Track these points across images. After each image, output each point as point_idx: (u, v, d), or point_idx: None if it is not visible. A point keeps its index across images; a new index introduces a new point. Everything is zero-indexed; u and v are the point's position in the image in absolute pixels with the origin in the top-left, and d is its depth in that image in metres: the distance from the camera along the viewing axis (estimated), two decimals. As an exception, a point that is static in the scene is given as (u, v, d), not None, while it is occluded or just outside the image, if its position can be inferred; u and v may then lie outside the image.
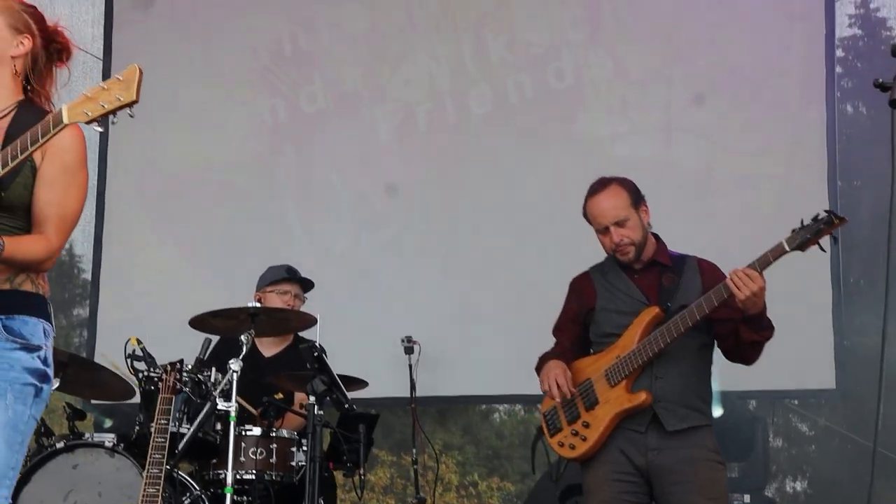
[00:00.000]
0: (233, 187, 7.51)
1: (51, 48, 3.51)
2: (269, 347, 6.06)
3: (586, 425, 4.43)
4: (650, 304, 4.41)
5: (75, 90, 7.49)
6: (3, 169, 3.12)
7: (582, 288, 4.63)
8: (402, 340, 6.73)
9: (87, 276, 8.04)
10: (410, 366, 6.70)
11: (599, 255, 4.59)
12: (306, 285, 6.00)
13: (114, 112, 3.05)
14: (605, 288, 4.55)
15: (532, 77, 7.20)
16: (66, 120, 3.06)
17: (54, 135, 3.09)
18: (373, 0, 7.55)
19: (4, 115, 3.39)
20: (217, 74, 7.64)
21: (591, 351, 4.58)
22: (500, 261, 7.04)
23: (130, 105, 3.05)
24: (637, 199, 4.47)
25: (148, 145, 7.66)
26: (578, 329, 4.61)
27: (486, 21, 7.36)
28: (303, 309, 5.56)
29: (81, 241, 8.03)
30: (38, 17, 3.53)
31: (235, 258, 7.12)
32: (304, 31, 7.62)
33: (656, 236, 4.54)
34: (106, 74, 7.56)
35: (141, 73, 3.03)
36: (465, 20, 7.41)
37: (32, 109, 3.41)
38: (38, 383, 3.32)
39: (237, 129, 7.58)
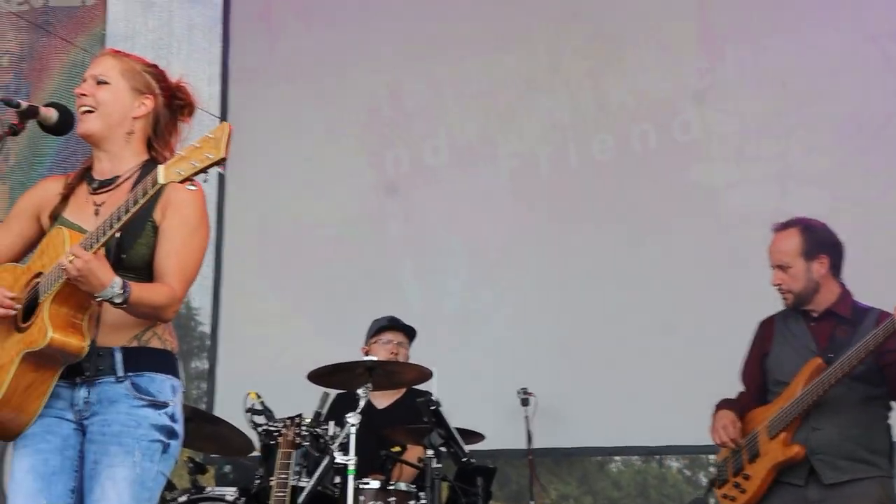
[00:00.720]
0: (347, 242, 7.61)
1: (174, 105, 3.63)
2: (382, 399, 6.12)
3: (746, 477, 4.42)
4: (818, 353, 4.37)
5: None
6: (108, 232, 3.24)
7: (764, 332, 4.62)
8: (518, 392, 6.75)
9: (205, 328, 8.20)
10: (527, 417, 6.71)
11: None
12: (409, 333, 6.06)
13: (205, 170, 3.12)
14: (783, 333, 4.53)
15: (654, 126, 7.20)
16: (161, 181, 3.16)
17: (150, 196, 3.20)
18: (485, 51, 7.60)
19: (129, 177, 3.51)
20: (331, 129, 7.77)
21: (768, 399, 4.54)
22: (616, 312, 7.02)
23: (220, 163, 3.11)
24: (813, 249, 4.43)
25: (264, 201, 7.81)
26: (760, 375, 4.59)
27: (604, 70, 7.37)
28: (417, 361, 5.62)
29: (199, 295, 8.20)
30: (160, 76, 3.65)
31: (350, 312, 7.21)
32: (417, 85, 7.71)
33: (843, 286, 4.48)
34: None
35: (231, 130, 3.08)
36: (578, 71, 7.44)
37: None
38: (165, 440, 3.41)
39: (351, 183, 7.68)
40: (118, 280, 3.26)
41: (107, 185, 3.52)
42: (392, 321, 6.16)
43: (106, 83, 3.55)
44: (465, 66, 7.61)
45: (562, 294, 7.18)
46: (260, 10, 8.11)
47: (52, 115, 3.55)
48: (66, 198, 3.55)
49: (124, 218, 3.23)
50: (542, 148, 7.45)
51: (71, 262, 3.21)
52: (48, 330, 3.26)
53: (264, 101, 7.85)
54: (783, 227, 4.50)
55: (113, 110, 3.53)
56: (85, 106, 3.55)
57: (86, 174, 3.60)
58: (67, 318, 3.30)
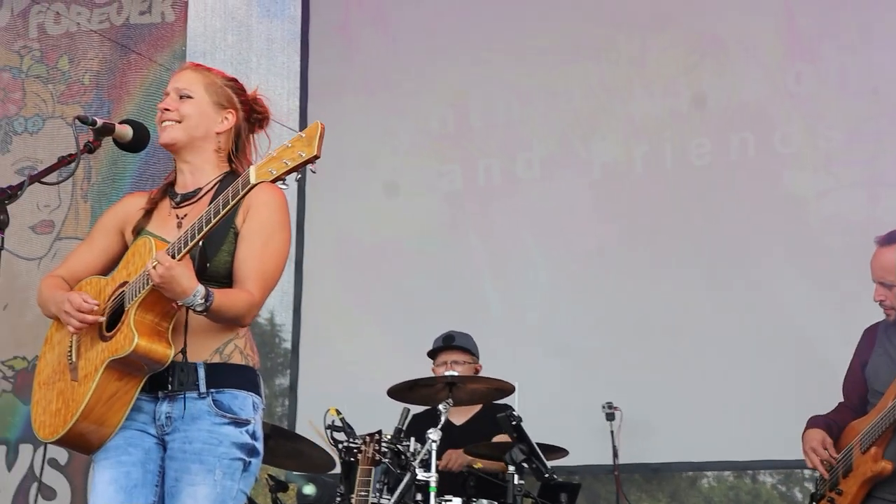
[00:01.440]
0: (427, 254, 7.63)
1: (252, 118, 3.68)
2: (460, 415, 6.13)
3: (840, 493, 4.37)
4: None
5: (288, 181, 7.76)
6: (198, 234, 3.27)
7: (866, 340, 4.57)
8: (603, 406, 6.71)
9: (288, 345, 8.25)
10: (612, 432, 6.67)
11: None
12: (468, 348, 6.06)
13: (297, 169, 3.16)
14: (883, 343, 4.48)
15: (754, 134, 7.14)
16: (253, 180, 3.19)
17: (243, 196, 3.23)
18: (566, 58, 7.58)
19: (210, 189, 3.56)
20: (411, 140, 7.80)
21: (867, 410, 4.49)
22: (701, 322, 6.97)
23: (312, 161, 3.15)
24: None
25: (344, 214, 7.86)
26: (860, 384, 4.53)
27: (692, 76, 7.32)
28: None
29: (281, 310, 8.25)
30: (240, 89, 3.70)
31: (431, 326, 7.21)
32: (499, 94, 7.70)
33: None
34: (303, 152, 7.83)
35: (323, 128, 3.12)
36: (664, 77, 7.39)
37: (236, 180, 3.56)
38: (246, 458, 3.44)
39: (432, 195, 7.71)
40: (201, 288, 3.30)
41: (189, 197, 3.58)
42: (447, 340, 6.16)
43: (189, 97, 3.61)
44: (546, 73, 7.60)
45: (647, 305, 7.13)
46: (338, 23, 8.17)
47: (126, 132, 3.61)
48: (149, 212, 3.61)
49: (214, 221, 3.26)
50: (626, 157, 7.41)
51: (154, 267, 3.26)
52: (134, 336, 3.31)
53: (344, 113, 7.90)
54: (886, 241, 4.42)
55: (197, 124, 3.59)
56: (169, 120, 3.60)
57: (168, 189, 3.66)
58: (153, 326, 3.35)
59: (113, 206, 3.79)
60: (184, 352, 3.42)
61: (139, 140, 3.64)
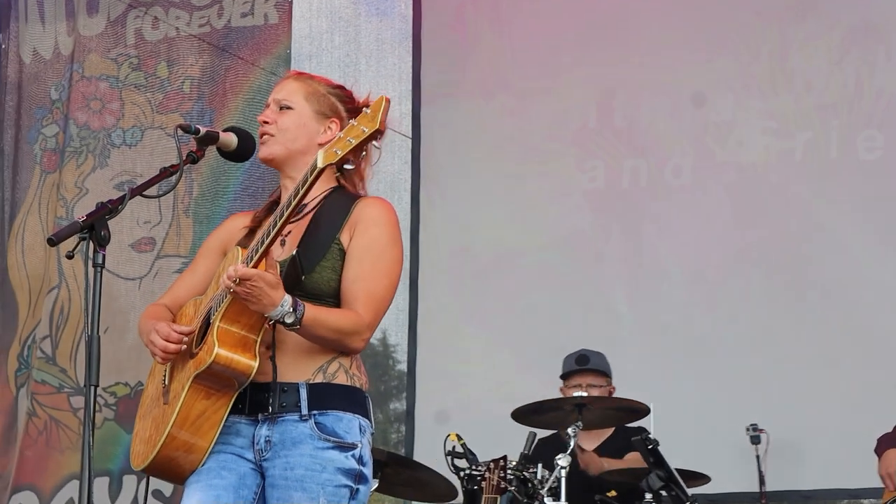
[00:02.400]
0: (553, 267, 7.61)
1: None
2: (590, 439, 6.12)
3: None
4: None
5: (385, 172, 7.83)
6: (273, 231, 3.31)
7: None
8: (748, 429, 6.64)
9: (403, 367, 8.28)
10: (758, 456, 6.60)
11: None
12: (603, 370, 6.02)
13: (362, 146, 3.26)
14: None
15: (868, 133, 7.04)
16: (320, 164, 3.27)
17: (312, 182, 3.29)
18: (700, 53, 7.53)
19: (316, 206, 3.59)
20: (532, 146, 7.79)
21: None
22: (859, 336, 6.87)
23: (376, 136, 3.23)
24: None
25: (461, 226, 7.87)
26: None
27: (842, 69, 7.23)
28: (632, 396, 5.60)
29: (395, 331, 8.29)
30: (346, 97, 3.73)
31: (558, 344, 7.20)
32: (632, 92, 7.66)
33: None
34: (415, 153, 7.86)
35: (388, 102, 3.22)
36: (805, 72, 7.31)
37: (343, 195, 3.60)
38: (353, 484, 3.45)
39: (556, 204, 7.69)
40: (288, 298, 3.32)
41: (294, 214, 3.60)
42: (580, 361, 6.13)
43: (289, 108, 3.65)
44: (679, 69, 7.56)
45: (794, 318, 7.04)
46: (452, 21, 8.19)
47: (231, 140, 3.67)
48: (252, 231, 3.66)
49: (286, 214, 3.31)
50: (767, 158, 7.34)
51: (237, 283, 3.29)
52: (214, 346, 3.34)
53: (460, 117, 7.92)
54: None
55: (297, 135, 3.63)
56: (267, 133, 3.66)
57: (273, 206, 3.70)
58: (238, 337, 3.38)
59: (217, 228, 3.87)
60: (273, 367, 3.44)
61: (244, 148, 3.69)
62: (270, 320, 3.34)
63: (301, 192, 3.29)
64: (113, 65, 8.32)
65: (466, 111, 7.95)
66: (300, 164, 3.61)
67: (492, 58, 7.98)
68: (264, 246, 3.32)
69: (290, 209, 3.31)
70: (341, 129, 3.61)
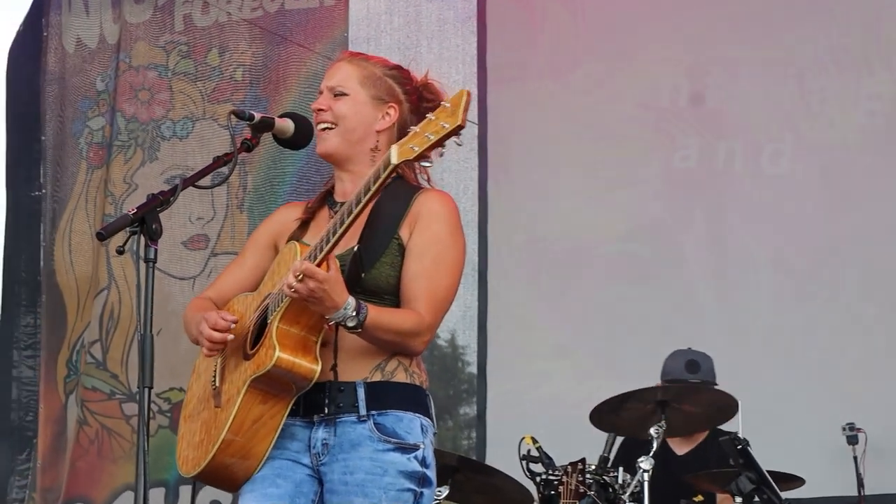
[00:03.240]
0: (631, 258, 7.59)
1: (422, 108, 3.68)
2: (682, 443, 6.10)
3: None
4: None
5: (449, 160, 7.83)
6: (339, 229, 3.31)
7: None
8: (844, 428, 6.61)
9: (473, 369, 8.28)
10: (855, 458, 6.56)
11: None
12: (711, 380, 6.00)
13: (441, 142, 3.21)
14: None
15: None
16: (394, 160, 3.24)
17: (385, 180, 3.27)
18: (789, 29, 7.47)
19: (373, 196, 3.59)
20: (607, 129, 7.77)
21: None
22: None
23: (457, 132, 3.19)
24: None
25: (532, 216, 7.86)
26: None
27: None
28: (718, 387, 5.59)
29: (464, 330, 8.27)
30: (404, 78, 3.71)
31: (638, 342, 7.20)
32: (713, 72, 7.63)
33: None
34: (482, 140, 7.84)
35: (469, 96, 3.19)
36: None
37: (402, 186, 3.61)
38: (416, 488, 3.45)
39: (634, 191, 7.66)
40: (352, 300, 3.32)
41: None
42: (691, 367, 6.10)
43: (344, 94, 3.64)
44: (765, 46, 7.51)
45: (892, 309, 6.99)
46: (519, -1, 8.20)
47: (287, 126, 3.68)
48: (305, 223, 3.66)
49: (355, 211, 3.30)
50: (859, 142, 7.28)
51: (300, 280, 3.30)
52: (275, 349, 3.34)
53: (529, 101, 7.91)
54: None
55: (354, 125, 3.61)
56: (323, 122, 3.64)
57: (327, 197, 3.71)
58: (298, 338, 3.38)
59: (267, 219, 3.87)
60: (334, 368, 3.45)
61: (302, 135, 3.70)
62: (331, 321, 3.35)
63: (372, 190, 3.28)
64: (161, 53, 8.37)
65: (536, 94, 7.93)
66: (358, 155, 3.62)
67: (562, 36, 7.95)
68: (329, 245, 3.32)
69: (360, 207, 3.30)
70: (399, 114, 3.62)
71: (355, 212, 3.31)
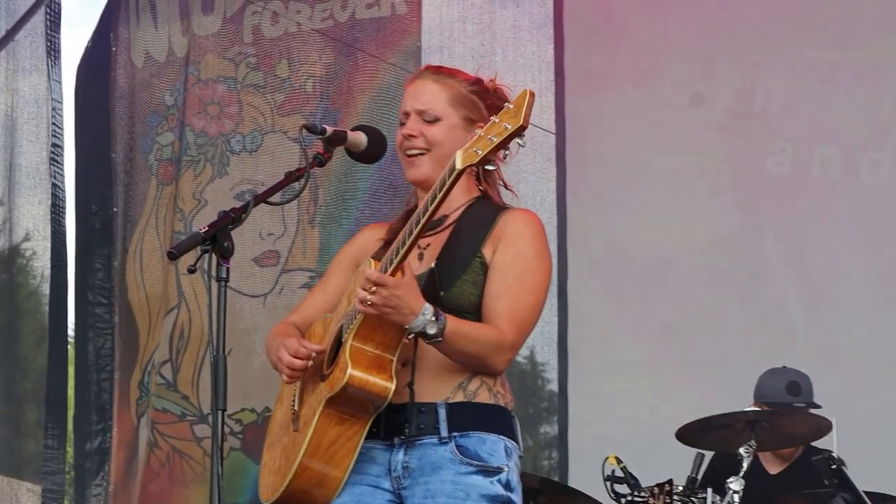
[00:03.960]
0: (718, 271, 7.54)
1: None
2: (775, 463, 6.06)
3: None
4: None
5: (526, 171, 7.81)
6: (408, 240, 3.32)
7: None
8: (950, 443, 6.53)
9: (553, 386, 8.26)
10: (965, 475, 6.47)
11: None
12: (809, 400, 5.95)
13: (505, 144, 3.25)
14: None
15: None
16: (458, 165, 3.28)
17: (451, 186, 3.28)
18: (869, 36, 7.41)
19: (458, 217, 3.59)
20: (691, 137, 7.72)
21: None
22: None
23: (520, 133, 3.21)
24: None
25: (613, 228, 7.84)
26: None
27: None
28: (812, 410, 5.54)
29: (543, 346, 8.25)
30: (484, 92, 3.72)
31: (725, 357, 7.16)
32: (788, 78, 7.59)
33: None
34: (560, 150, 7.83)
35: (532, 96, 3.22)
36: None
37: (487, 206, 3.60)
38: (500, 512, 3.45)
39: (719, 201, 7.62)
40: (429, 307, 3.33)
41: (433, 226, 3.59)
42: (792, 389, 6.04)
43: (437, 119, 3.65)
44: (863, 51, 7.46)
45: None
46: (597, 4, 8.15)
47: (360, 139, 3.69)
48: (388, 243, 3.66)
49: (423, 220, 3.32)
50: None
51: (373, 291, 3.30)
52: (348, 367, 3.36)
53: (609, 110, 7.89)
54: None
55: (448, 150, 3.58)
56: (415, 149, 3.65)
57: (410, 216, 3.71)
58: (372, 356, 3.40)
59: (349, 240, 3.90)
60: (411, 387, 3.46)
61: (375, 148, 3.71)
62: (409, 333, 3.35)
63: (439, 197, 3.30)
64: (230, 65, 8.40)
65: (615, 102, 7.91)
66: None
67: (643, 42, 7.92)
68: (401, 254, 3.34)
69: (427, 215, 3.32)
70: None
71: (423, 220, 3.33)
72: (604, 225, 7.88)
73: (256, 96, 8.33)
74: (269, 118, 8.28)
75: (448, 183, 3.29)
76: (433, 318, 3.33)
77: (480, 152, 3.24)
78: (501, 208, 3.63)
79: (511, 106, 3.24)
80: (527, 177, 7.74)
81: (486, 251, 3.53)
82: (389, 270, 3.35)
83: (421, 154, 3.64)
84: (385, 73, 7.98)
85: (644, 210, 7.74)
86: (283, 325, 3.76)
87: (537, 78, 8.09)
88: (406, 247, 3.34)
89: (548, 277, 3.58)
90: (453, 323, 3.37)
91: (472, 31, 8.17)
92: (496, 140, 3.22)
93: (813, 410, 5.65)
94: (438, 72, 3.77)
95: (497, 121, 3.24)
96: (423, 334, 3.35)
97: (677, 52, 7.83)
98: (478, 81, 3.72)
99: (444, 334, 3.35)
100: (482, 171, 3.62)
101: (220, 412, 3.29)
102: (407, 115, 3.70)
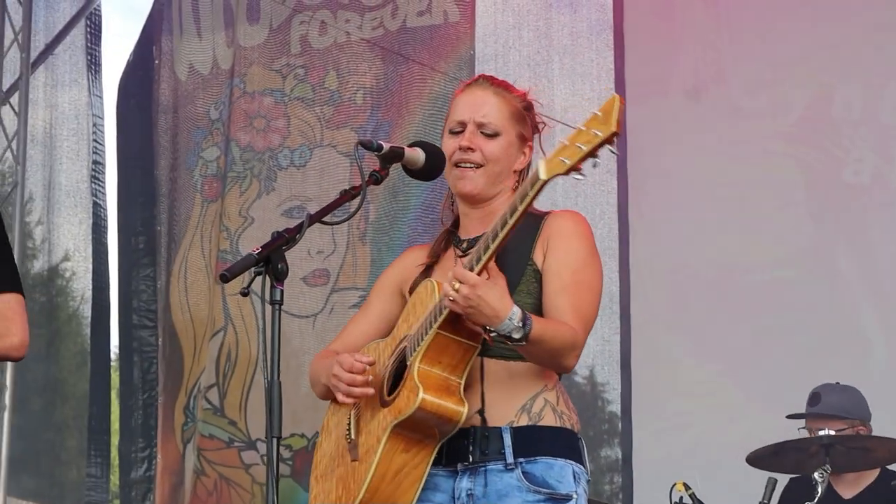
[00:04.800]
0: (788, 285, 7.52)
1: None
2: (849, 486, 6.05)
3: None
4: None
5: (584, 183, 7.80)
6: (492, 244, 3.33)
7: None
8: None
9: (614, 407, 8.25)
10: None
11: None
12: (834, 413, 5.93)
13: (594, 152, 3.21)
14: None
15: None
16: (543, 176, 3.25)
17: (534, 196, 3.29)
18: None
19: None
20: (758, 147, 7.69)
21: None
22: None
23: (611, 140, 3.19)
24: None
25: (677, 242, 7.82)
26: None
27: None
28: (890, 433, 5.52)
29: (604, 366, 8.24)
30: (530, 108, 3.76)
31: (796, 376, 7.12)
32: (857, 90, 7.56)
33: None
34: (621, 161, 7.79)
35: (622, 102, 3.20)
36: None
37: (531, 216, 3.62)
38: (568, 541, 3.46)
39: (787, 213, 7.59)
40: (517, 310, 3.33)
41: (476, 243, 3.60)
42: (811, 401, 6.04)
43: (497, 134, 3.67)
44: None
45: None
46: (659, 7, 8.13)
47: (418, 156, 3.70)
48: (429, 268, 3.70)
49: (510, 223, 3.31)
50: None
51: (457, 290, 3.31)
52: (419, 389, 3.37)
53: (671, 117, 7.87)
54: None
55: (503, 167, 3.66)
56: (470, 163, 3.67)
57: (450, 236, 3.75)
58: (441, 379, 3.41)
59: (391, 264, 3.92)
60: (482, 412, 3.47)
61: (433, 165, 3.72)
62: (492, 334, 3.34)
63: (520, 210, 3.29)
64: (277, 77, 8.42)
65: (678, 110, 7.90)
66: (493, 194, 3.67)
67: (706, 48, 7.90)
68: (488, 254, 3.33)
69: (511, 223, 3.30)
70: (531, 152, 3.64)
71: (502, 234, 3.32)
72: (667, 239, 7.86)
73: (304, 109, 8.34)
74: (318, 132, 8.29)
75: (531, 195, 3.28)
76: (520, 325, 3.33)
77: (568, 161, 3.21)
78: (544, 213, 3.66)
79: (599, 112, 3.21)
80: (585, 189, 7.73)
81: (537, 257, 3.56)
82: (476, 270, 3.34)
83: (475, 168, 3.65)
84: (437, 82, 7.97)
85: (710, 223, 7.72)
86: (325, 353, 3.77)
87: (596, 86, 8.09)
88: (490, 252, 3.33)
89: (601, 276, 3.61)
90: (539, 326, 3.37)
91: (528, 39, 8.16)
92: (585, 148, 3.19)
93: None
94: (495, 83, 3.79)
95: (584, 128, 3.20)
96: (507, 337, 3.35)
97: (745, 56, 7.81)
98: (523, 93, 3.75)
99: (528, 339, 3.35)
100: (521, 177, 3.65)
101: (274, 440, 3.30)
102: (463, 124, 3.71)
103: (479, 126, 3.67)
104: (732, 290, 7.63)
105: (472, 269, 3.36)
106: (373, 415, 3.53)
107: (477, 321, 3.35)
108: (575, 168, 3.23)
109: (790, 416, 6.15)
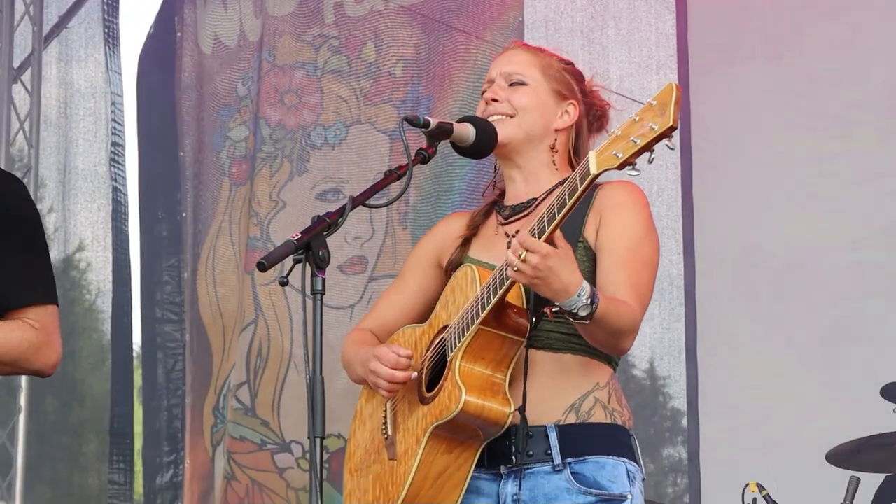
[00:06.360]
0: (868, 269, 7.50)
1: (590, 114, 3.79)
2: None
3: None
4: None
5: (643, 160, 7.77)
6: (558, 214, 3.33)
7: None
8: None
9: (677, 403, 8.25)
10: None
11: None
12: None
13: (650, 147, 3.22)
14: None
15: None
16: (593, 170, 3.26)
17: (584, 191, 3.30)
18: None
19: (544, 200, 3.62)
20: (836, 117, 7.67)
21: None
22: None
23: (668, 133, 3.20)
24: None
25: (747, 223, 7.80)
26: None
27: None
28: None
29: (664, 358, 8.23)
30: (579, 76, 3.79)
31: (880, 366, 7.11)
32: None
33: None
34: (684, 135, 7.76)
35: (680, 92, 3.19)
36: None
37: None
38: (625, 544, 3.48)
39: (870, 189, 7.55)
40: (587, 286, 3.34)
41: (520, 210, 3.70)
42: (887, 392, 6.04)
43: (523, 84, 3.70)
44: None
45: None
46: (725, -37, 8.15)
47: (468, 132, 3.73)
48: (467, 240, 3.75)
49: (548, 230, 3.30)
50: None
51: (523, 258, 3.29)
52: (461, 391, 3.39)
53: (740, 90, 7.85)
54: None
55: (535, 118, 3.72)
56: (498, 115, 3.71)
57: (493, 206, 3.77)
58: (484, 378, 3.43)
59: (428, 232, 3.97)
60: (522, 410, 3.48)
61: (484, 142, 3.75)
62: (557, 309, 3.34)
63: (569, 204, 3.29)
64: (310, 49, 8.40)
65: (747, 79, 7.87)
66: (533, 153, 3.72)
67: (778, 8, 7.88)
68: (554, 224, 3.31)
69: (552, 225, 3.31)
70: (578, 114, 3.65)
71: (551, 228, 3.33)
72: (736, 219, 7.84)
73: (339, 83, 8.31)
74: (355, 107, 8.26)
75: (580, 190, 3.28)
76: (588, 302, 3.32)
77: (621, 155, 3.21)
78: (595, 186, 3.63)
79: (654, 102, 3.21)
80: (644, 167, 7.70)
81: (589, 233, 3.58)
82: (544, 237, 3.34)
83: (503, 118, 3.69)
84: (482, 52, 7.93)
85: (783, 201, 7.71)
86: (358, 332, 3.81)
87: (654, 53, 8.09)
88: (556, 221, 3.32)
89: (658, 251, 3.64)
90: (605, 305, 3.37)
91: (581, 3, 8.12)
92: (640, 142, 3.19)
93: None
94: (527, 45, 3.88)
95: (638, 119, 3.20)
96: (571, 314, 3.34)
97: (821, 16, 7.79)
98: (570, 63, 3.78)
99: (593, 317, 3.34)
100: (572, 154, 3.72)
101: (318, 440, 3.32)
102: (492, 80, 3.78)
103: (506, 77, 3.74)
104: (808, 272, 7.62)
105: (538, 237, 3.35)
106: (411, 411, 3.56)
107: (543, 292, 3.33)
108: (628, 162, 3.23)
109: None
